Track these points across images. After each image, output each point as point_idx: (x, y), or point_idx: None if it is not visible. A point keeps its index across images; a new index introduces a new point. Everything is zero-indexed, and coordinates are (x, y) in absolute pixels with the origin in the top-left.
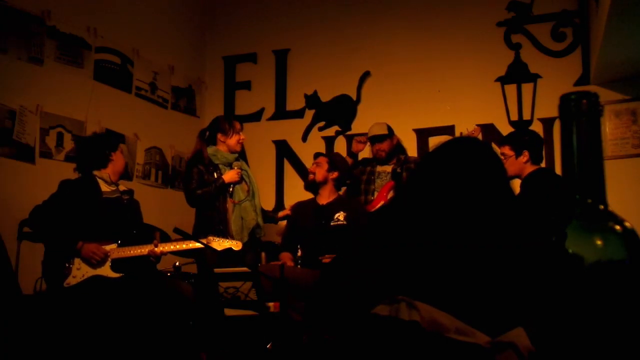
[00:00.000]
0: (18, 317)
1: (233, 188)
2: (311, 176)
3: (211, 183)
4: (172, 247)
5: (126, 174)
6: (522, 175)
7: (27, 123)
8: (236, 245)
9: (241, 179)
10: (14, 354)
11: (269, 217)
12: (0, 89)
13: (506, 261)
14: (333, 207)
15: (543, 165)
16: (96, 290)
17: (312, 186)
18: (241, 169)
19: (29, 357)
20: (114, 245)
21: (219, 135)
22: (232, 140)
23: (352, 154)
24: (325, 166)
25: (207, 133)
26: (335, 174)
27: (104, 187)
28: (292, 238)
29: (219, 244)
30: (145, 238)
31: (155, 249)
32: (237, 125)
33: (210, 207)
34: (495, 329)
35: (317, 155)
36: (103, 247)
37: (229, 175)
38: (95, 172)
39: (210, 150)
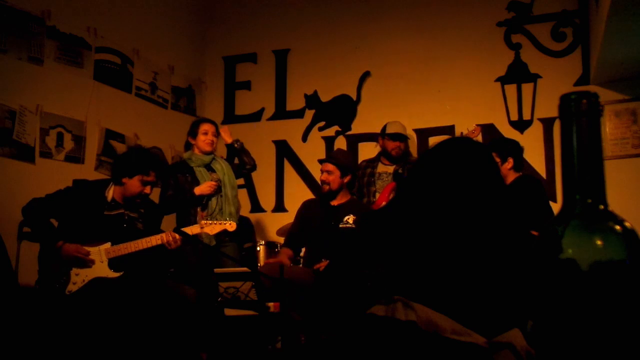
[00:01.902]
0: (18, 317)
1: (207, 201)
2: (326, 187)
3: (185, 190)
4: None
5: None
6: (505, 181)
7: (27, 123)
8: (230, 226)
9: (215, 192)
10: (14, 353)
11: None
12: (0, 89)
13: (500, 262)
14: (344, 209)
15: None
16: (99, 293)
17: (331, 194)
18: (217, 182)
19: (30, 357)
20: (107, 245)
21: (190, 139)
22: (199, 142)
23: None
24: (337, 172)
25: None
26: (348, 178)
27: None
28: (298, 235)
29: (212, 227)
30: (140, 236)
31: (169, 234)
32: (204, 127)
33: (184, 216)
34: (490, 331)
35: (322, 161)
36: (85, 247)
37: (200, 189)
38: (112, 185)
39: (186, 155)
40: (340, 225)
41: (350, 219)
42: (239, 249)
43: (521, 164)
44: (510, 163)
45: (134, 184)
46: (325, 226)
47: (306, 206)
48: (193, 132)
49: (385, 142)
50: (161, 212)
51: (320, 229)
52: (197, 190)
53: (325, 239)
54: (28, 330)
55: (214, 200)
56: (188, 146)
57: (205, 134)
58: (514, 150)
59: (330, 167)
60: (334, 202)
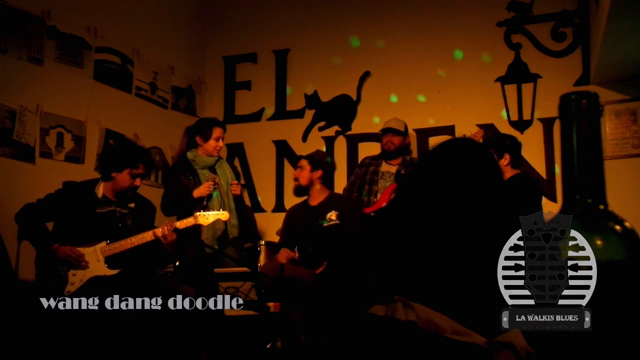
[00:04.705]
0: (18, 316)
1: (207, 202)
2: (296, 182)
3: (187, 191)
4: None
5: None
6: None
7: (27, 123)
8: (223, 216)
9: (214, 191)
10: (14, 352)
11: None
12: (0, 89)
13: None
14: (325, 207)
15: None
16: (98, 292)
17: (300, 191)
18: (214, 182)
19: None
20: (102, 244)
21: (198, 138)
22: (209, 146)
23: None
24: (308, 167)
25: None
26: (319, 173)
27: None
28: (287, 242)
29: (205, 218)
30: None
31: (161, 229)
32: (218, 132)
33: (186, 216)
34: (490, 331)
35: (297, 159)
36: (81, 248)
37: (199, 191)
38: (101, 182)
39: (190, 155)
40: (325, 224)
41: (333, 215)
42: (239, 249)
43: (519, 161)
44: (506, 159)
45: (123, 178)
46: (308, 229)
47: (291, 212)
48: (204, 134)
49: (382, 138)
50: (164, 213)
51: (304, 232)
52: (196, 193)
53: (311, 241)
54: (28, 329)
55: (217, 202)
56: (193, 144)
57: (218, 140)
58: (511, 146)
59: (302, 163)
60: (313, 203)
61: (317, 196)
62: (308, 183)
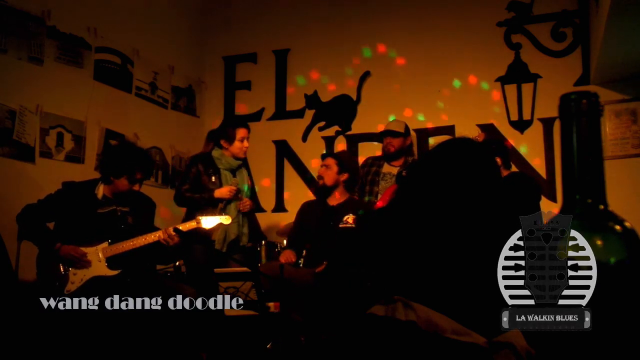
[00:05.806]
0: (18, 316)
1: (225, 205)
2: (321, 181)
3: (205, 188)
4: (186, 225)
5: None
6: None
7: (27, 123)
8: (226, 220)
9: (234, 196)
10: (14, 352)
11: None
12: (0, 89)
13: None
14: (343, 209)
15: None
16: (98, 292)
17: (323, 190)
18: (237, 187)
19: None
20: (104, 244)
21: (223, 142)
22: (235, 148)
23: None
24: (335, 168)
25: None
26: (345, 176)
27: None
28: (298, 238)
29: (208, 222)
30: (136, 233)
31: (165, 231)
32: (242, 133)
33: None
34: (490, 331)
35: (324, 156)
36: (83, 247)
37: (220, 192)
38: (101, 183)
39: (215, 153)
40: (340, 225)
41: (349, 218)
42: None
43: (509, 163)
44: (498, 162)
45: (122, 183)
46: (323, 227)
47: (305, 208)
48: (228, 137)
49: (382, 140)
50: (176, 203)
51: (319, 229)
52: (217, 194)
53: (324, 240)
54: (28, 329)
55: (233, 208)
56: (217, 144)
57: (242, 140)
58: (499, 149)
59: (329, 161)
60: (332, 202)
61: (338, 197)
62: (333, 184)
